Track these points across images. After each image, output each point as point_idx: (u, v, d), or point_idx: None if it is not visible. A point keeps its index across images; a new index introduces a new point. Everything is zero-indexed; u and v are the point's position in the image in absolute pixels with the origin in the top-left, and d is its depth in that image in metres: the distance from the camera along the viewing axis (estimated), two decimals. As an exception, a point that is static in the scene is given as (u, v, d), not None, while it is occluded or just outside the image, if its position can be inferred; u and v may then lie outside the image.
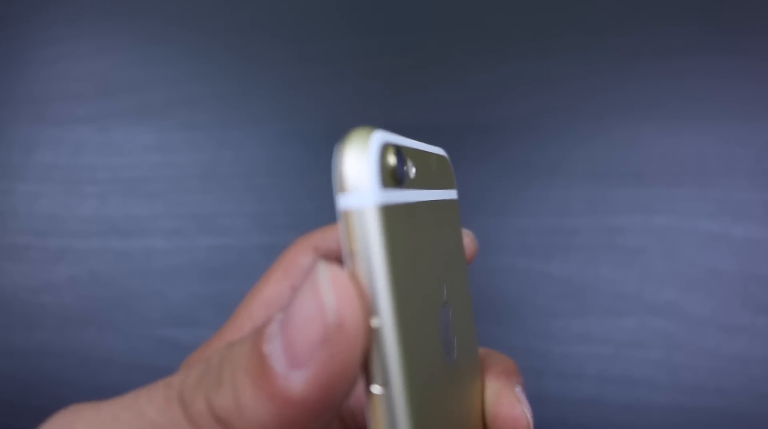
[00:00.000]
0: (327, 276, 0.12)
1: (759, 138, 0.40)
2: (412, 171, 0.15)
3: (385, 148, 0.13)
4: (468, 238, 0.23)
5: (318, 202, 0.41)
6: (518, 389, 0.19)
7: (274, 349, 0.12)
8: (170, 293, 0.42)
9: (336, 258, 0.23)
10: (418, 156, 0.16)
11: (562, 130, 0.41)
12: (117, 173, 0.43)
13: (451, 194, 0.19)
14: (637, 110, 0.41)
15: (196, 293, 0.42)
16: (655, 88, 0.41)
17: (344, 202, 0.12)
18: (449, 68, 0.43)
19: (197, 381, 0.14)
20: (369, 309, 0.12)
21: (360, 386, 0.22)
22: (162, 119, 0.44)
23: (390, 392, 0.13)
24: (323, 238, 0.23)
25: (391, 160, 0.13)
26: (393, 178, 0.13)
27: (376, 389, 0.13)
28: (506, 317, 0.40)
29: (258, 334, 0.13)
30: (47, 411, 0.44)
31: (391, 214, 0.13)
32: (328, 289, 0.12)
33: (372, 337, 0.12)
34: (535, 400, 0.39)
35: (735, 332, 0.39)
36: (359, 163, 0.13)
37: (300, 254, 0.23)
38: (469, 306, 0.20)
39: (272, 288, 0.23)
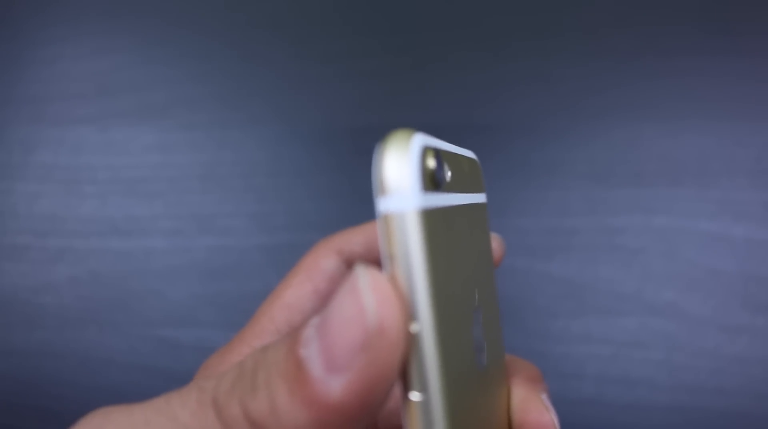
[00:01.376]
0: (367, 279, 0.12)
1: (759, 138, 0.40)
2: (448, 174, 0.15)
3: (425, 150, 0.13)
4: (495, 242, 0.23)
5: (318, 202, 0.41)
6: (544, 396, 0.19)
7: (311, 353, 0.12)
8: (170, 293, 0.42)
9: (360, 260, 0.23)
10: (452, 159, 0.16)
11: (561, 130, 0.41)
12: (117, 173, 0.43)
13: (480, 198, 0.19)
14: (637, 110, 0.41)
15: (196, 293, 0.42)
16: (655, 88, 0.41)
17: (385, 205, 0.12)
18: (449, 68, 0.43)
19: (231, 385, 0.14)
20: (408, 314, 0.12)
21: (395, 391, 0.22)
22: (162, 119, 0.44)
23: (428, 399, 0.12)
24: (347, 241, 0.23)
25: (431, 163, 0.13)
26: (432, 181, 0.13)
27: (414, 396, 0.12)
28: (506, 317, 0.40)
29: (294, 338, 0.13)
30: (47, 411, 0.44)
31: (430, 218, 0.13)
32: (369, 293, 0.12)
33: (411, 342, 0.12)
34: (535, 400, 0.39)
35: (735, 332, 0.39)
36: (401, 166, 0.12)
37: (322, 258, 0.22)
38: (497, 310, 0.19)
39: (294, 291, 0.22)
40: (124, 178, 0.43)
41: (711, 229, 0.39)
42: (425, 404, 0.12)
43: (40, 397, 0.42)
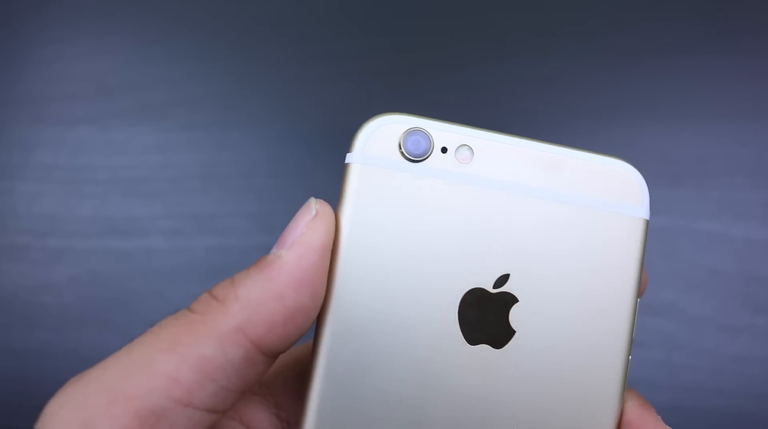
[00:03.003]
0: (313, 199, 0.18)
1: (759, 138, 0.40)
2: (462, 157, 0.18)
3: (392, 127, 0.18)
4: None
5: (318, 202, 0.41)
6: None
7: (272, 249, 0.17)
8: (170, 293, 0.42)
9: None
10: (495, 148, 0.19)
11: (561, 129, 0.41)
12: (117, 173, 0.43)
13: (607, 205, 0.19)
14: (637, 109, 0.41)
15: (196, 293, 0.42)
16: (655, 87, 0.41)
17: (347, 157, 0.18)
18: (449, 67, 0.43)
19: None
20: (336, 231, 0.17)
21: None
22: (162, 119, 0.44)
23: (327, 298, 0.17)
24: None
25: (398, 137, 0.18)
26: (403, 153, 0.18)
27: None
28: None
29: None
30: (47, 411, 0.44)
31: (377, 176, 0.18)
32: (315, 203, 0.18)
33: (332, 253, 0.17)
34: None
35: (735, 332, 0.39)
36: (359, 134, 0.18)
37: None
38: (602, 322, 0.19)
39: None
40: (124, 178, 0.43)
41: (711, 229, 0.39)
42: (326, 303, 0.17)
43: (40, 397, 0.42)
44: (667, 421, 0.37)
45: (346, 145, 0.18)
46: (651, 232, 0.41)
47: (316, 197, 0.19)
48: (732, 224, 0.39)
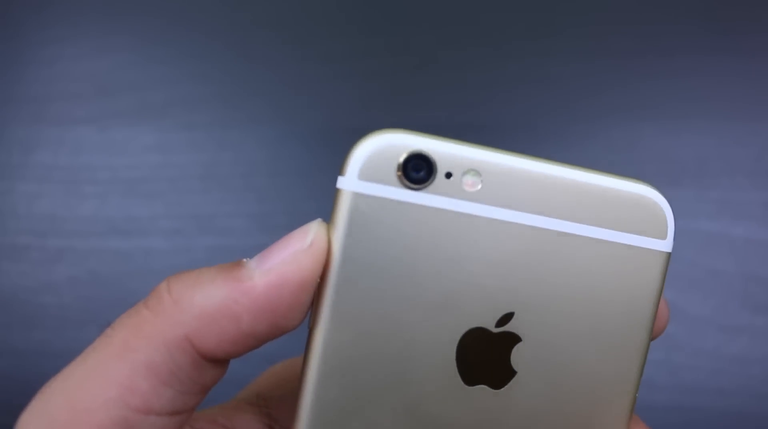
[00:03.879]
0: (318, 224, 0.16)
1: (759, 138, 0.40)
2: (469, 183, 0.16)
3: (389, 148, 0.16)
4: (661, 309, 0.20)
5: (318, 202, 0.41)
6: None
7: (252, 259, 0.16)
8: (170, 293, 0.42)
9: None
10: (505, 173, 0.17)
11: (561, 130, 0.41)
12: (117, 173, 0.43)
13: (627, 238, 0.18)
14: (637, 110, 0.41)
15: (196, 293, 0.42)
16: (655, 88, 0.41)
17: (338, 181, 0.16)
18: (449, 68, 0.43)
19: None
20: (326, 261, 0.16)
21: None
22: (162, 119, 0.44)
23: (312, 333, 0.16)
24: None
25: (396, 160, 0.16)
26: (402, 178, 0.16)
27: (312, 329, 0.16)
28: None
29: None
30: (47, 411, 0.44)
31: (371, 204, 0.16)
32: (314, 228, 0.16)
33: (321, 286, 0.16)
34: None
35: (735, 332, 0.39)
36: (352, 156, 0.16)
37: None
38: (614, 368, 0.18)
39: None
40: (124, 178, 0.43)
41: (711, 229, 0.39)
42: (313, 334, 0.16)
43: (39, 397, 0.42)
44: (666, 421, 0.37)
45: (346, 145, 0.17)
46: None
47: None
48: (732, 224, 0.39)
